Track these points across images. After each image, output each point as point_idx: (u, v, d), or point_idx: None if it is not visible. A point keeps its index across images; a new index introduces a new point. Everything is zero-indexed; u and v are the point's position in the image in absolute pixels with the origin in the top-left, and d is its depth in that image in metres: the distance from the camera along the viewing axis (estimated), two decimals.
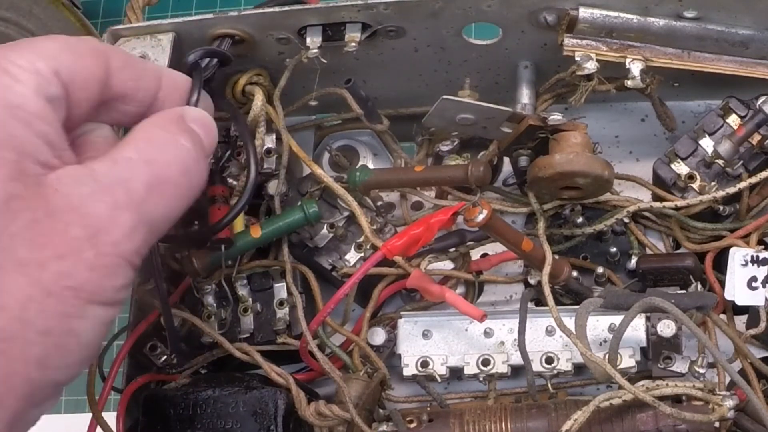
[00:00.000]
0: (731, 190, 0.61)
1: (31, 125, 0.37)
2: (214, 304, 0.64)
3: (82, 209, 0.36)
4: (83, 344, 0.36)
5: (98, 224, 0.36)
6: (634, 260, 0.65)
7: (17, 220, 0.34)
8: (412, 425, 0.58)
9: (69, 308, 0.35)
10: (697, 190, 0.63)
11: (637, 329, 0.59)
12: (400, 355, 0.62)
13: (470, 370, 0.61)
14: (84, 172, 0.38)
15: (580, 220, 0.65)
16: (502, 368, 0.61)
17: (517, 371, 0.61)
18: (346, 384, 0.59)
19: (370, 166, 0.71)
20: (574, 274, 0.63)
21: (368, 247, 0.65)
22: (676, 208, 0.63)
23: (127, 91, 0.43)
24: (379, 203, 0.67)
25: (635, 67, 0.60)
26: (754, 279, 0.59)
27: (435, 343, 0.62)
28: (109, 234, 0.36)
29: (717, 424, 0.54)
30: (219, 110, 0.58)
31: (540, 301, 0.63)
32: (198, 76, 0.49)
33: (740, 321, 0.62)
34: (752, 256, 0.59)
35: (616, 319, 0.58)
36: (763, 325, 0.58)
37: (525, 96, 0.65)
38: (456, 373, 0.62)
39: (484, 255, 0.67)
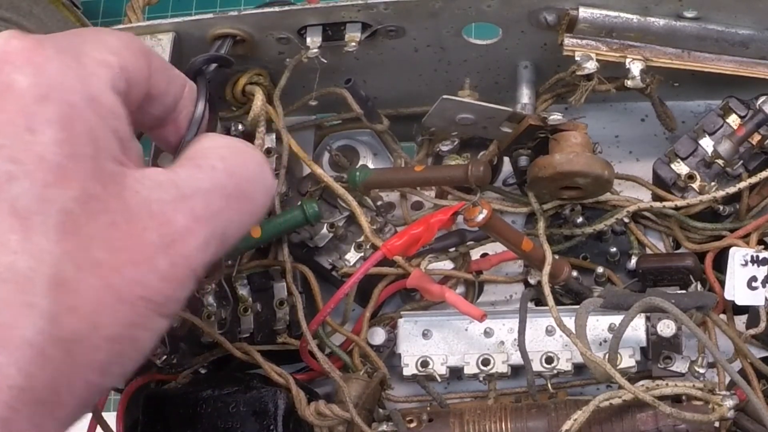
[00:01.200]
0: (731, 190, 0.61)
1: (106, 120, 0.35)
2: (214, 304, 0.64)
3: (161, 217, 0.35)
4: (141, 353, 0.35)
5: (174, 234, 0.35)
6: (634, 260, 0.65)
7: (96, 221, 0.33)
8: (412, 425, 0.58)
9: (138, 318, 0.34)
10: (697, 190, 0.63)
11: (637, 329, 0.59)
12: (400, 355, 0.62)
13: (470, 370, 0.61)
14: (166, 177, 0.36)
15: (580, 220, 0.65)
16: (502, 368, 0.61)
17: (517, 371, 0.61)
18: (346, 384, 0.59)
19: (370, 166, 0.71)
20: (574, 274, 0.63)
21: (368, 246, 0.65)
22: (676, 208, 0.63)
23: (158, 93, 0.41)
24: (379, 203, 0.67)
25: (635, 67, 0.60)
26: (754, 279, 0.59)
27: (435, 343, 0.62)
28: (184, 245, 0.35)
29: (717, 424, 0.54)
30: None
31: (540, 301, 0.63)
32: (203, 83, 0.48)
33: (740, 321, 0.62)
34: (752, 256, 0.59)
35: (616, 319, 0.58)
36: (763, 325, 0.58)
37: (525, 96, 0.65)
38: (456, 373, 0.62)
39: (484, 255, 0.67)
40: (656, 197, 0.65)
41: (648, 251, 0.66)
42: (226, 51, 0.61)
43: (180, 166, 0.37)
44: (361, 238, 0.66)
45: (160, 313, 0.35)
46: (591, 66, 0.60)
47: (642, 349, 0.59)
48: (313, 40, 0.62)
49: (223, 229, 0.37)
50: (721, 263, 0.62)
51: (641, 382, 0.55)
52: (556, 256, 0.63)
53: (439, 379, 0.62)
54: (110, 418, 0.61)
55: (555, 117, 0.60)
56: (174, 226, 0.35)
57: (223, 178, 0.37)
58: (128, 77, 0.37)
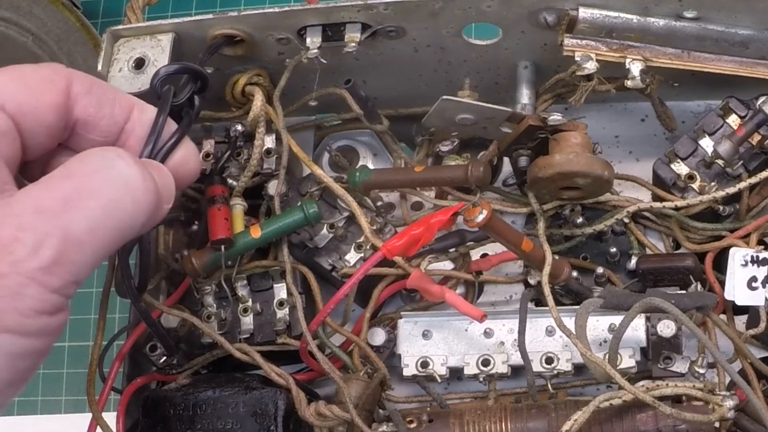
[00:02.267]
0: (731, 190, 0.61)
1: None
2: (214, 305, 0.64)
3: None
4: None
5: None
6: (634, 260, 0.65)
7: None
8: (412, 425, 0.58)
9: None
10: (697, 190, 0.63)
11: (637, 329, 0.59)
12: (400, 355, 0.62)
13: (470, 370, 0.61)
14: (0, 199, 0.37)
15: (580, 220, 0.65)
16: (502, 368, 0.61)
17: (517, 371, 0.61)
18: (346, 384, 0.59)
19: (370, 166, 0.71)
20: (574, 274, 0.63)
21: (368, 247, 0.65)
22: (676, 208, 0.63)
23: (87, 118, 0.43)
24: (379, 203, 0.67)
25: (635, 67, 0.60)
26: (754, 279, 0.59)
27: (435, 343, 0.62)
28: (9, 254, 0.35)
29: (717, 424, 0.54)
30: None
31: (540, 301, 0.63)
32: (165, 99, 0.47)
33: (740, 321, 0.62)
34: (752, 256, 0.59)
35: (616, 319, 0.58)
36: (763, 325, 0.58)
37: (525, 96, 0.65)
38: (456, 374, 0.62)
39: (484, 255, 0.67)
40: (656, 197, 0.65)
41: (648, 251, 0.66)
42: (202, 64, 0.60)
43: (23, 188, 0.39)
44: (361, 239, 0.66)
45: None
46: (591, 66, 0.60)
47: (642, 349, 0.59)
48: (313, 41, 0.62)
49: (64, 227, 0.37)
50: (721, 263, 0.62)
51: (641, 383, 0.55)
52: (556, 257, 0.63)
53: (439, 380, 0.62)
54: (110, 418, 0.61)
55: (555, 117, 0.60)
56: None
57: (58, 182, 0.38)
58: (15, 111, 0.40)
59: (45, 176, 0.39)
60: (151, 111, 0.46)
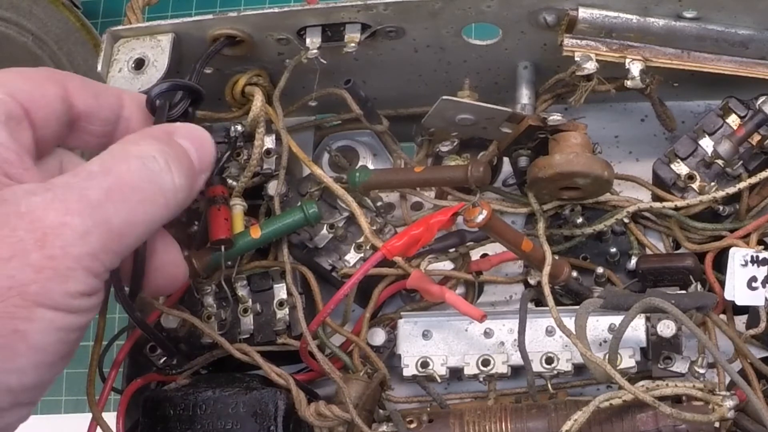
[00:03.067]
0: (731, 190, 0.61)
1: None
2: (214, 305, 0.64)
3: (30, 215, 0.37)
4: (33, 347, 0.37)
5: (46, 228, 0.37)
6: (634, 260, 0.65)
7: None
8: (412, 426, 0.58)
9: (13, 309, 0.36)
10: (697, 190, 0.63)
11: (637, 329, 0.59)
12: (400, 355, 0.62)
13: (470, 370, 0.61)
14: (39, 185, 0.39)
15: (579, 220, 0.65)
16: (502, 368, 0.61)
17: (517, 371, 0.61)
18: (346, 384, 0.59)
19: (370, 166, 0.71)
20: (574, 274, 0.63)
21: (368, 247, 0.65)
22: (676, 208, 0.63)
23: (89, 109, 0.45)
24: (379, 204, 0.67)
25: (635, 67, 0.60)
26: (754, 279, 0.59)
27: (435, 343, 0.62)
28: (58, 237, 0.37)
29: (717, 424, 0.54)
30: None
31: (540, 302, 0.63)
32: (161, 114, 0.49)
33: (740, 321, 0.62)
34: (752, 256, 0.59)
35: (616, 319, 0.58)
36: (763, 325, 0.58)
37: (525, 96, 0.65)
38: (456, 374, 0.62)
39: (484, 255, 0.67)
40: (656, 197, 0.65)
41: (648, 251, 0.66)
42: (197, 78, 0.60)
43: (58, 177, 0.41)
44: (361, 239, 0.66)
45: (43, 304, 0.37)
46: (591, 66, 0.60)
47: (642, 349, 0.59)
48: (313, 41, 0.62)
49: (107, 220, 0.39)
50: (721, 263, 0.62)
51: (641, 383, 0.55)
52: (556, 257, 0.63)
53: (439, 380, 0.62)
54: (110, 418, 0.61)
55: (555, 117, 0.60)
56: (44, 222, 0.37)
57: (99, 176, 0.40)
58: (25, 99, 0.42)
59: (80, 168, 0.41)
60: (138, 96, 0.49)
